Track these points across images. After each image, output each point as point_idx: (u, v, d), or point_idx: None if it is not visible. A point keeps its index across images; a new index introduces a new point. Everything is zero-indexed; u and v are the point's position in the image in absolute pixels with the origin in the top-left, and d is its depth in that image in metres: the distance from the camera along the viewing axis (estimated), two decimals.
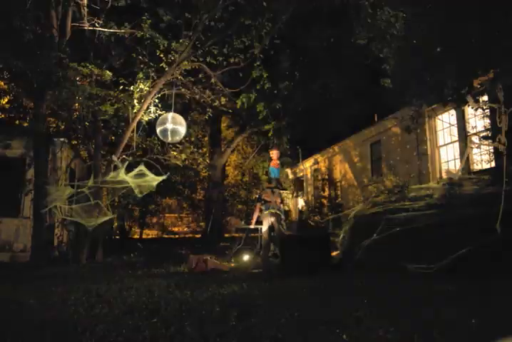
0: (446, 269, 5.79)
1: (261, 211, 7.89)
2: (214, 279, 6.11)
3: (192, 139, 12.64)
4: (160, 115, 9.49)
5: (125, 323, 3.43)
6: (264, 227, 7.76)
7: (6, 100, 9.03)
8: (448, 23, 7.84)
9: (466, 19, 7.57)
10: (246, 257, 8.20)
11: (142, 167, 8.84)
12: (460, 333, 3.05)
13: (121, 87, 9.18)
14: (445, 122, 9.26)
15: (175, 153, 10.31)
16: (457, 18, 7.71)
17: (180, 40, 9.39)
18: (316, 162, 15.67)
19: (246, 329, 3.08)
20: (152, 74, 9.26)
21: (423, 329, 3.09)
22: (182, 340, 2.91)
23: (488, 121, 7.59)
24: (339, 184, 13.62)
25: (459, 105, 8.52)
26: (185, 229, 13.29)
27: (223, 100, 10.38)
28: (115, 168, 8.87)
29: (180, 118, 9.36)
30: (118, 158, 8.98)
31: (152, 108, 9.57)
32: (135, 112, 9.21)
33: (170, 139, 9.24)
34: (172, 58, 9.41)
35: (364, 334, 2.93)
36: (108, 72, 8.79)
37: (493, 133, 7.44)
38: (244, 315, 3.50)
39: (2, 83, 8.90)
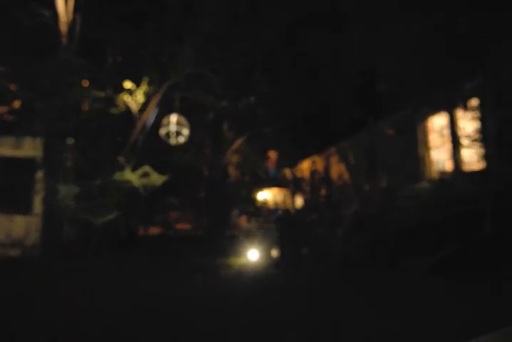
0: (437, 265, 6.11)
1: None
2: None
3: (195, 140, 12.96)
4: (164, 117, 9.83)
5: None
6: None
7: (18, 103, 9.37)
8: (439, 27, 8.16)
9: (457, 24, 7.89)
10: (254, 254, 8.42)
11: (147, 167, 9.21)
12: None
13: (127, 90, 9.50)
14: (437, 125, 9.56)
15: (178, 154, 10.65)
16: (448, 22, 8.02)
17: (184, 46, 9.71)
18: (314, 163, 15.98)
19: None
20: (157, 78, 9.59)
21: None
22: None
23: (477, 124, 7.84)
24: (335, 184, 13.92)
25: (450, 109, 8.86)
26: (188, 227, 13.62)
27: (224, 103, 10.69)
28: (122, 168, 9.21)
29: (183, 120, 9.73)
30: (124, 158, 9.32)
31: (157, 111, 9.92)
32: (141, 115, 9.57)
33: (174, 140, 9.60)
34: (176, 63, 9.73)
35: None
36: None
37: (483, 135, 7.74)
38: None
39: (14, 87, 9.23)
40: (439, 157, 9.73)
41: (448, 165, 9.31)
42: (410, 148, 9.99)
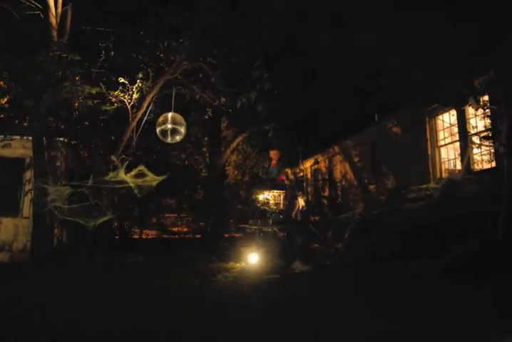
0: (446, 268, 5.81)
1: None
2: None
3: (192, 139, 12.67)
4: (159, 114, 9.49)
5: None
6: None
7: (5, 99, 9.03)
8: (448, 23, 7.85)
9: (467, 19, 7.57)
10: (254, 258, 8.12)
11: (141, 167, 8.84)
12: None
13: (121, 86, 9.16)
14: (445, 122, 9.26)
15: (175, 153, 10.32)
16: (458, 18, 7.72)
17: (180, 40, 9.38)
18: (317, 162, 15.66)
19: None
20: (152, 74, 9.25)
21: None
22: None
23: (488, 121, 7.57)
24: (339, 184, 13.61)
25: (460, 105, 8.53)
26: (185, 229, 13.32)
27: (223, 99, 10.37)
28: (115, 168, 8.85)
29: (179, 118, 9.37)
30: (118, 158, 8.97)
31: (152, 108, 9.58)
32: (135, 112, 9.22)
33: (170, 139, 9.24)
34: (172, 58, 9.40)
35: None
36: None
37: (493, 133, 7.43)
38: None
39: (1, 83, 8.89)
40: (448, 155, 9.44)
41: (457, 164, 9.02)
42: (417, 146, 9.69)
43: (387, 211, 8.51)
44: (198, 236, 12.34)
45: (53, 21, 8.59)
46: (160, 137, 9.30)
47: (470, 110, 8.33)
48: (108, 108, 8.96)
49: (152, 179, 8.89)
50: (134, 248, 10.01)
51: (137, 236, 11.77)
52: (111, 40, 9.13)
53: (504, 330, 3.07)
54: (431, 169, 9.38)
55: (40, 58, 8.10)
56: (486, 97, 7.68)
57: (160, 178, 8.93)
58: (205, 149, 13.61)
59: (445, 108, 9.09)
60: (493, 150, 7.59)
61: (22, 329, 3.34)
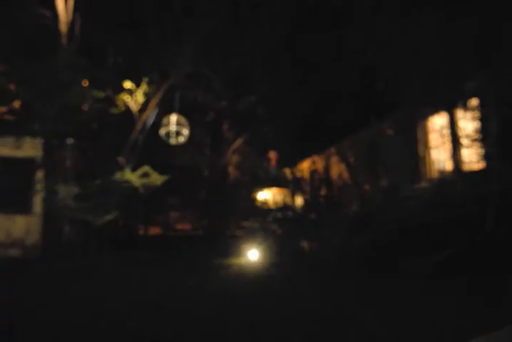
0: (437, 266, 6.10)
1: None
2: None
3: (195, 140, 13.01)
4: (164, 117, 9.85)
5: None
6: None
7: (17, 103, 9.37)
8: (441, 25, 8.12)
9: (461, 22, 7.84)
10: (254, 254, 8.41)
11: (146, 167, 9.23)
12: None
13: (127, 90, 9.51)
14: (437, 125, 9.55)
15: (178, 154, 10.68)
16: (452, 20, 7.98)
17: (183, 45, 9.73)
18: (314, 162, 15.98)
19: None
20: (157, 78, 9.61)
21: None
22: None
23: (478, 124, 7.81)
24: (335, 184, 13.93)
25: (450, 108, 8.83)
26: (188, 227, 13.66)
27: (224, 102, 10.72)
28: (121, 168, 9.22)
29: (183, 120, 9.74)
30: (124, 158, 9.34)
31: (157, 110, 9.95)
32: (140, 115, 9.59)
33: (174, 141, 9.61)
34: (176, 63, 9.75)
35: None
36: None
37: (483, 135, 7.71)
38: None
39: (13, 87, 9.23)
40: (439, 156, 9.71)
41: (448, 165, 9.29)
42: (410, 148, 9.99)
43: (381, 210, 8.80)
44: (201, 233, 12.69)
45: (63, 28, 8.97)
46: (165, 139, 9.67)
47: (460, 113, 8.60)
48: (115, 111, 9.33)
49: (156, 178, 9.28)
50: (140, 245, 10.31)
51: (143, 234, 12.11)
52: (118, 46, 9.49)
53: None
54: (422, 170, 9.68)
55: (50, 63, 8.46)
56: (476, 101, 7.93)
57: (164, 178, 9.31)
58: (207, 150, 13.95)
59: (436, 111, 9.37)
60: (482, 152, 7.81)
61: (31, 323, 3.50)
